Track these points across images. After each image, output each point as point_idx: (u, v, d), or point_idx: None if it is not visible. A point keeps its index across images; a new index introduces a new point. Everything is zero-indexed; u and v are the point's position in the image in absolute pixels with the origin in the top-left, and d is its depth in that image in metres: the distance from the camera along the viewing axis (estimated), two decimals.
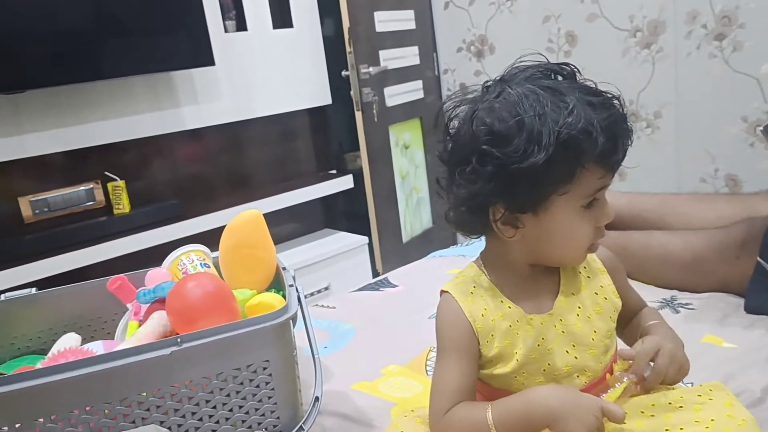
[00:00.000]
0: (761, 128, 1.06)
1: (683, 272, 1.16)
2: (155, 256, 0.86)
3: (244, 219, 0.82)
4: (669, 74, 1.85)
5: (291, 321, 0.70)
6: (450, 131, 0.64)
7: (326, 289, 2.14)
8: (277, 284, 0.85)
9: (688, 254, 1.16)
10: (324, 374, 1.04)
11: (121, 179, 1.93)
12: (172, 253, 0.83)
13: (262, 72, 2.13)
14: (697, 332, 0.99)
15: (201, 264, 0.81)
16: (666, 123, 1.90)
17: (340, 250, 2.22)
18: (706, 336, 1.00)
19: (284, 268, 0.82)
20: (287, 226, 2.36)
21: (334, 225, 2.45)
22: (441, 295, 0.69)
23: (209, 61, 1.90)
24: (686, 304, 1.10)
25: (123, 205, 1.93)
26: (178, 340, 0.63)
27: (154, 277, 0.79)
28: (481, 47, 2.34)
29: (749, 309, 1.03)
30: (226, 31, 2.04)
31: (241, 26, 2.08)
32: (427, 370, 0.98)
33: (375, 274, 2.24)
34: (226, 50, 2.03)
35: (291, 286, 0.76)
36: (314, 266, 2.16)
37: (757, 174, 1.70)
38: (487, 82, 0.65)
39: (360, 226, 2.30)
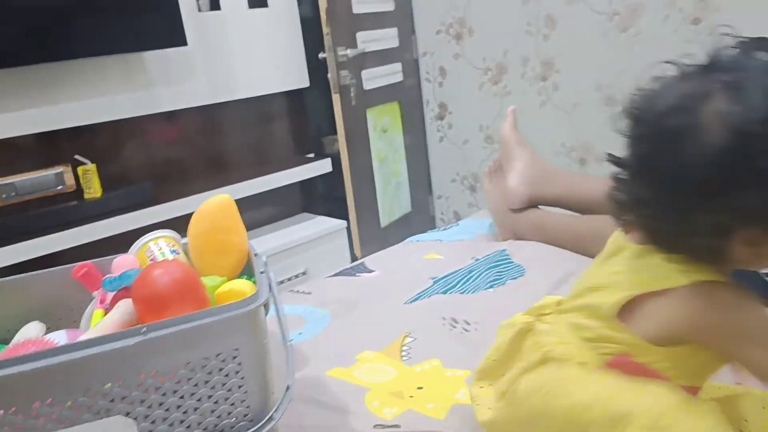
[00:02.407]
0: None
1: None
2: (128, 241, 0.84)
3: (214, 204, 0.80)
4: (647, 58, 1.85)
5: (262, 308, 0.68)
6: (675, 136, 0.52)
7: (304, 273, 2.13)
8: (249, 271, 0.83)
9: None
10: (299, 361, 1.03)
11: (92, 163, 1.88)
12: (140, 239, 0.81)
13: (237, 53, 2.09)
14: None
15: (170, 250, 0.79)
16: None
17: (318, 235, 2.20)
18: None
19: (256, 254, 0.80)
20: (264, 210, 2.33)
21: (312, 209, 2.43)
22: (691, 287, 0.56)
23: (181, 41, 1.85)
24: None
25: (94, 190, 1.89)
26: (143, 329, 0.62)
27: (121, 264, 0.76)
28: (460, 30, 2.32)
29: None
30: (199, 10, 1.99)
31: (215, 5, 2.03)
32: (402, 356, 0.98)
33: (353, 258, 2.23)
34: (200, 30, 1.98)
35: (262, 272, 0.74)
36: (292, 251, 2.14)
37: None
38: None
39: (338, 211, 2.28)
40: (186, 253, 0.83)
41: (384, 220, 2.37)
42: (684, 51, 1.87)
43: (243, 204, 2.33)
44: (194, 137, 2.16)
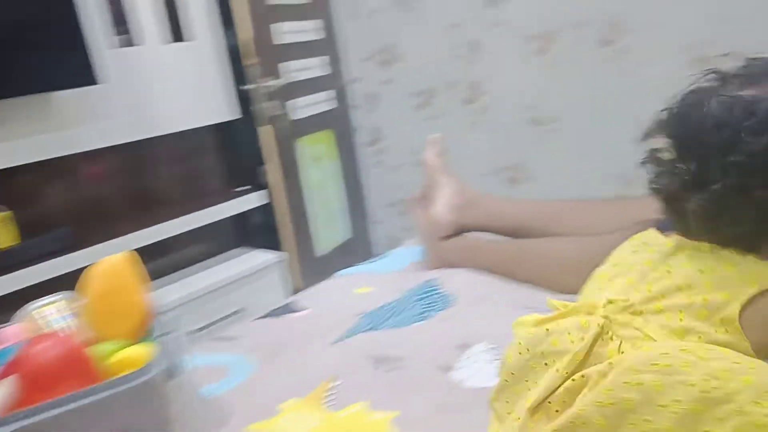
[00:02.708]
0: None
1: (579, 276, 1.18)
2: (48, 290, 0.78)
3: (110, 263, 0.75)
4: (567, 79, 1.91)
5: (158, 379, 0.64)
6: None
7: (239, 311, 2.07)
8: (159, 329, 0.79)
9: (583, 259, 1.18)
10: (220, 416, 0.98)
11: (9, 209, 1.78)
12: (26, 306, 0.75)
13: (161, 88, 2.03)
14: None
15: (61, 317, 0.73)
16: (567, 126, 1.96)
17: (255, 269, 2.15)
18: None
19: (160, 313, 0.76)
20: (197, 247, 2.26)
21: (247, 243, 2.37)
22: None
23: (91, 80, 1.78)
24: None
25: (11, 237, 1.78)
26: (21, 415, 0.57)
27: (6, 336, 0.71)
28: (388, 56, 2.34)
29: None
30: (117, 46, 1.93)
31: (135, 41, 1.97)
32: (326, 402, 0.95)
33: (293, 291, 2.19)
34: (119, 66, 1.91)
35: (164, 334, 0.70)
36: (227, 288, 2.08)
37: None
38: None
39: (275, 242, 2.24)
40: (83, 316, 0.78)
41: (323, 249, 2.33)
42: (599, 71, 1.93)
43: (175, 242, 2.25)
44: (119, 176, 2.08)
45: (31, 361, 0.62)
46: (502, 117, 2.09)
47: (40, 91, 1.75)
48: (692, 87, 0.60)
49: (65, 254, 1.77)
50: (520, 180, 2.12)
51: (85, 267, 1.78)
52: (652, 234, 0.66)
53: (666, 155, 0.61)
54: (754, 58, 0.59)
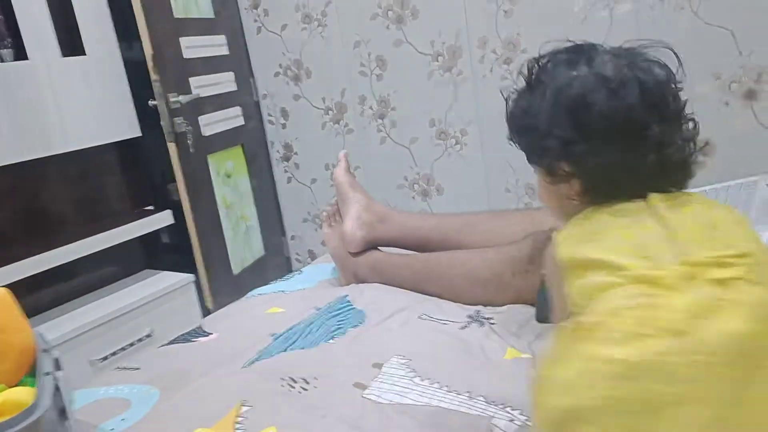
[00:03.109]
0: None
1: (485, 288, 1.23)
2: None
3: None
4: (470, 95, 1.98)
5: (41, 422, 0.60)
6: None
7: (149, 336, 1.98)
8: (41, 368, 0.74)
9: (487, 270, 1.23)
10: None
11: None
12: None
13: (52, 105, 1.91)
14: (500, 349, 1.05)
15: None
16: (472, 139, 2.04)
17: (164, 291, 2.06)
18: (508, 351, 1.06)
19: (45, 350, 0.72)
20: (102, 271, 2.15)
21: (156, 265, 2.28)
22: None
23: None
24: (488, 318, 1.17)
25: None
26: None
27: None
28: (297, 71, 2.33)
29: (538, 319, 1.11)
30: (1, 60, 1.80)
31: (22, 55, 1.85)
32: (235, 429, 0.92)
33: (205, 312, 2.12)
34: (4, 82, 1.79)
35: (48, 374, 0.66)
36: (135, 312, 1.98)
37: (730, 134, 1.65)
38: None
39: (186, 263, 2.16)
40: None
41: (236, 268, 2.28)
42: (500, 88, 2.01)
43: (77, 266, 2.12)
44: (10, 198, 1.94)
45: None
46: (411, 131, 2.14)
47: None
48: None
49: None
50: (430, 192, 2.18)
51: None
52: (618, 206, 0.66)
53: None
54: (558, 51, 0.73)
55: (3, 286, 0.74)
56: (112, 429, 0.96)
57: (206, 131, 2.17)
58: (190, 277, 2.12)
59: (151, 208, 2.24)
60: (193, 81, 2.12)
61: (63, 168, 2.05)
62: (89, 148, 2.03)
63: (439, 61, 2.00)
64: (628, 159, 0.65)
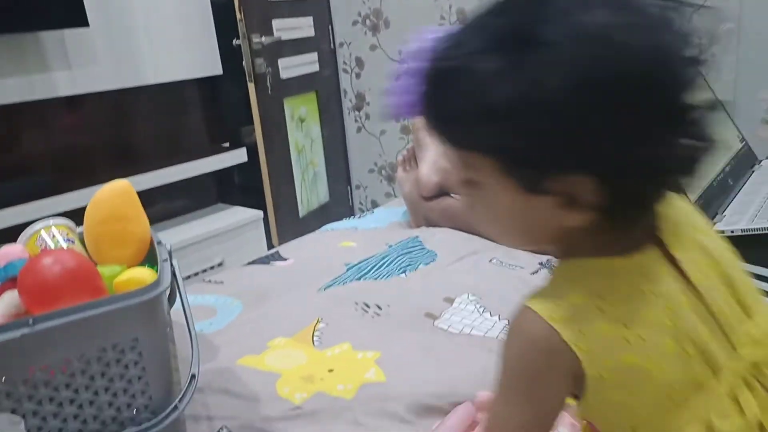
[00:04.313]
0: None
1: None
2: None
3: (111, 190, 0.76)
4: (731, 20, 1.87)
5: (164, 297, 0.66)
6: None
7: (219, 265, 2.08)
8: (151, 259, 0.81)
9: None
10: (208, 351, 1.01)
11: None
12: (30, 227, 0.76)
13: (144, 36, 1.99)
14: None
15: (64, 239, 0.75)
16: (723, 74, 1.93)
17: (235, 225, 2.15)
18: None
19: (159, 242, 0.78)
20: (178, 201, 2.25)
21: (227, 200, 2.37)
22: None
23: (82, 21, 1.74)
24: None
25: None
26: (30, 321, 0.58)
27: (8, 253, 0.72)
28: (376, 21, 2.34)
29: None
30: None
31: None
32: (314, 341, 0.98)
33: (270, 248, 2.20)
34: (103, 11, 1.87)
35: (165, 260, 0.72)
36: (207, 242, 2.08)
37: None
38: None
39: (255, 201, 2.24)
40: (82, 242, 0.79)
41: (302, 210, 2.35)
42: None
43: (155, 194, 2.23)
44: (99, 124, 2.05)
45: (37, 275, 0.63)
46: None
47: (29, 30, 1.71)
48: None
49: (43, 199, 1.75)
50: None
51: (62, 213, 1.77)
52: (635, 259, 0.46)
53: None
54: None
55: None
56: (201, 329, 1.04)
57: (284, 74, 2.21)
58: (259, 214, 2.20)
59: (226, 145, 2.32)
60: (275, 23, 2.16)
61: (148, 100, 2.14)
62: (174, 82, 2.12)
63: None
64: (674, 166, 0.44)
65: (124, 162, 2.10)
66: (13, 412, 0.60)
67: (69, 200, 1.78)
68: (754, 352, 0.46)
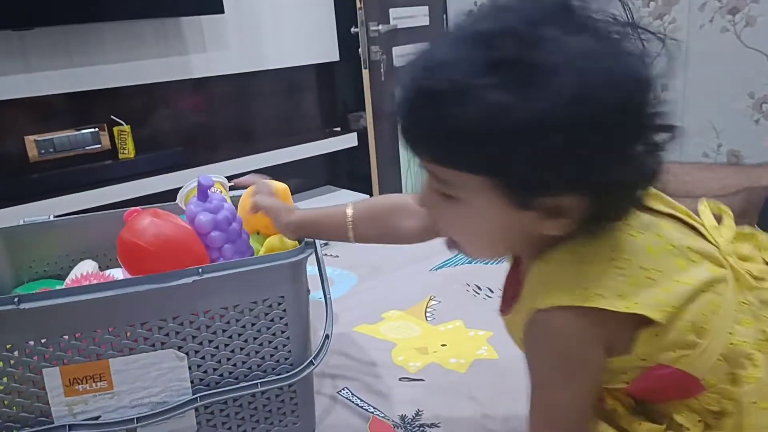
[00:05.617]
0: None
1: None
2: (158, 202, 0.88)
3: (280, 186, 0.88)
4: (679, 46, 1.85)
5: (305, 261, 0.73)
6: None
7: (326, 244, 2.17)
8: None
9: None
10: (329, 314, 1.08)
11: (126, 124, 1.93)
12: (187, 184, 0.85)
13: (270, 23, 2.12)
14: None
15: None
16: (671, 95, 1.91)
17: None
18: None
19: None
20: (289, 181, 2.35)
21: (336, 183, 2.47)
22: None
23: (219, 8, 1.88)
24: None
25: (128, 150, 1.94)
26: (200, 270, 0.66)
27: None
28: None
29: None
30: None
31: None
32: (426, 316, 1.02)
33: None
34: (237, 4, 2.01)
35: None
36: None
37: (760, 150, 1.73)
38: None
39: (362, 186, 2.32)
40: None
41: None
42: (718, 41, 1.85)
43: (269, 173, 2.35)
44: (225, 105, 2.20)
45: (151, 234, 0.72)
46: None
47: (171, 15, 1.87)
48: None
49: (176, 171, 1.92)
50: None
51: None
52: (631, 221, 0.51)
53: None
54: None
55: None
56: (320, 297, 1.11)
57: (398, 63, 2.26)
58: (366, 198, 2.27)
59: (338, 129, 2.41)
60: (392, 12, 2.21)
61: (268, 83, 2.27)
62: (294, 67, 2.23)
63: (650, 6, 1.88)
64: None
65: (244, 141, 2.24)
66: (179, 349, 0.68)
67: (199, 173, 1.93)
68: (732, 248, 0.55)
